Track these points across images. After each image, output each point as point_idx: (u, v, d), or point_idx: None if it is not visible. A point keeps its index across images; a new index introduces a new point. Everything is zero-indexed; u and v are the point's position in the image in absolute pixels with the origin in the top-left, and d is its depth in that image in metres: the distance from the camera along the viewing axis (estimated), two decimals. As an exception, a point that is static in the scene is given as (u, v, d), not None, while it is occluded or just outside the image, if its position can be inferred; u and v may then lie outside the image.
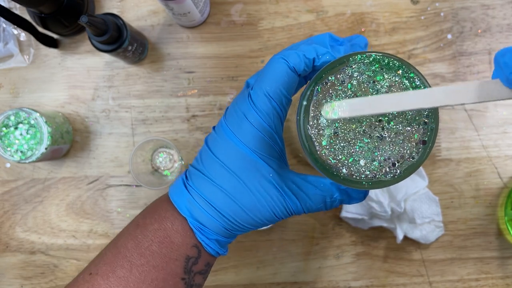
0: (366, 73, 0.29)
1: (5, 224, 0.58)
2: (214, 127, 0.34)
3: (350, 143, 0.29)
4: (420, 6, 0.58)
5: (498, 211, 0.57)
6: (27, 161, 0.52)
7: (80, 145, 0.58)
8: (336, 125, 0.29)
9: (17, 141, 0.53)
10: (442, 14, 0.57)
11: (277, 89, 0.31)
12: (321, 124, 0.29)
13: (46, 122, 0.52)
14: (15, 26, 0.57)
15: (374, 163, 0.29)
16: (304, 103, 0.29)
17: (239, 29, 0.58)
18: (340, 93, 0.29)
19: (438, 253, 0.57)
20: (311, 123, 0.29)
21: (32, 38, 0.58)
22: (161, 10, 0.58)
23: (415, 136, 0.29)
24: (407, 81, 0.29)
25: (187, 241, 0.32)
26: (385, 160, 0.29)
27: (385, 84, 0.29)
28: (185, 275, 0.33)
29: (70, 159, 0.58)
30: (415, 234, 0.54)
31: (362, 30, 0.57)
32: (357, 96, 0.29)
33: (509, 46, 0.23)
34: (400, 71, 0.29)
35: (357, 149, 0.29)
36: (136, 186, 0.58)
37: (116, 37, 0.50)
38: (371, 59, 0.29)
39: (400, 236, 0.54)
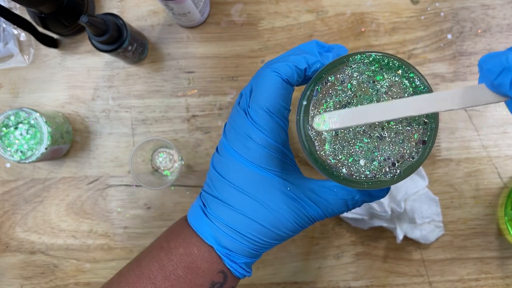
0: (366, 73, 0.29)
1: (5, 224, 0.59)
2: (217, 149, 0.33)
3: (350, 143, 0.29)
4: (420, 6, 0.58)
5: (498, 211, 0.57)
6: (27, 161, 0.52)
7: (80, 145, 0.59)
8: None
9: (17, 141, 0.53)
10: (442, 14, 0.57)
11: (276, 103, 0.30)
12: None
13: (46, 122, 0.52)
14: (15, 26, 0.57)
15: (374, 163, 0.29)
16: (304, 103, 0.29)
17: (239, 29, 0.58)
18: (340, 93, 0.29)
19: (438, 253, 0.57)
20: (311, 123, 0.29)
21: (32, 38, 0.58)
22: (161, 10, 0.58)
23: (415, 136, 0.29)
24: (406, 81, 0.29)
25: (214, 267, 0.32)
26: (385, 160, 0.29)
27: (385, 84, 0.29)
28: None
29: (70, 159, 0.58)
30: (415, 234, 0.54)
31: (362, 30, 0.57)
32: (357, 97, 0.29)
33: (490, 52, 0.24)
34: (400, 71, 0.29)
35: (357, 149, 0.29)
36: (136, 186, 0.58)
37: (116, 37, 0.50)
38: (370, 59, 0.29)
39: (400, 236, 0.54)
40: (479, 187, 0.57)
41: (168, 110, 0.58)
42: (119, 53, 0.52)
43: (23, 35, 0.59)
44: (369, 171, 0.29)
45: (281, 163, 0.31)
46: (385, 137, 0.29)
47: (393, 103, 0.26)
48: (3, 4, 0.58)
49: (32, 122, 0.53)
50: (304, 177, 0.33)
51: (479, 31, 0.57)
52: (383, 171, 0.29)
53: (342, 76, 0.29)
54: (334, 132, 0.29)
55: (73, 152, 0.59)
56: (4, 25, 0.58)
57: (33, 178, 0.59)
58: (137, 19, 0.58)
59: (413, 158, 0.29)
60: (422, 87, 0.29)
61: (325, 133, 0.29)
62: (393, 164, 0.29)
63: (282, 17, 0.58)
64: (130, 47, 0.52)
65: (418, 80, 0.29)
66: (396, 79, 0.29)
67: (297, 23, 0.58)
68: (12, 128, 0.53)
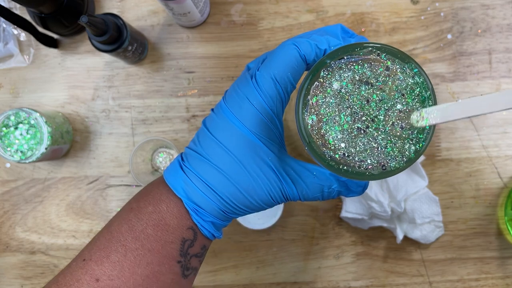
0: (366, 65, 0.29)
1: (5, 224, 0.58)
2: (212, 109, 0.33)
3: (350, 134, 0.29)
4: (420, 6, 0.58)
5: (498, 211, 0.57)
6: (27, 161, 0.52)
7: (80, 145, 0.59)
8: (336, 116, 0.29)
9: (17, 141, 0.53)
10: (442, 14, 0.57)
11: (285, 74, 0.30)
12: (320, 114, 0.29)
13: (46, 122, 0.52)
14: (15, 26, 0.57)
15: (374, 154, 0.29)
16: (304, 92, 0.29)
17: (239, 29, 0.58)
18: (341, 82, 0.28)
19: (438, 253, 0.57)
20: (307, 108, 0.29)
21: (32, 38, 0.58)
22: (161, 10, 0.58)
23: (414, 126, 0.28)
24: (410, 78, 0.29)
25: (183, 223, 0.32)
26: (384, 151, 0.29)
27: (385, 79, 0.29)
28: (181, 257, 0.32)
29: (70, 159, 0.58)
30: (415, 234, 0.54)
31: (362, 30, 0.57)
32: (359, 86, 0.28)
33: None
34: (407, 67, 0.29)
35: (357, 141, 0.29)
36: (136, 186, 0.58)
37: (116, 37, 0.50)
38: (372, 50, 0.29)
39: (400, 236, 0.54)
40: (479, 187, 0.57)
41: (168, 110, 0.58)
42: (119, 53, 0.52)
43: (23, 35, 0.59)
44: (369, 162, 0.29)
45: (270, 132, 0.31)
46: (384, 128, 0.29)
47: (498, 95, 0.25)
48: (3, 4, 0.58)
49: (32, 122, 0.53)
50: (288, 155, 0.33)
51: (479, 31, 0.57)
52: (383, 162, 0.29)
53: (344, 65, 0.29)
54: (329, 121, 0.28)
55: (73, 152, 0.59)
56: (4, 25, 0.58)
57: (33, 178, 0.59)
58: (137, 19, 0.58)
59: (411, 149, 0.29)
60: (423, 83, 0.28)
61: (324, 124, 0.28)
62: (392, 156, 0.29)
63: (282, 17, 0.58)
64: (130, 47, 0.52)
65: (421, 78, 0.28)
66: (403, 76, 0.29)
67: (297, 23, 0.58)
68: (12, 128, 0.53)
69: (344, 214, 0.55)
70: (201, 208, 0.32)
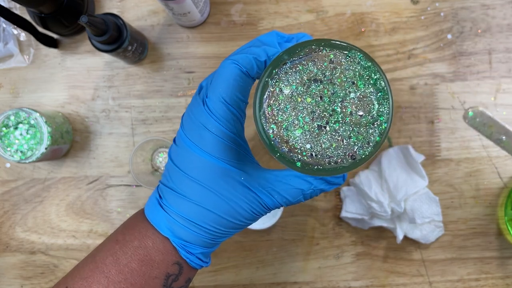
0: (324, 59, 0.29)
1: (5, 224, 0.58)
2: (174, 140, 0.33)
3: (312, 134, 0.29)
4: (420, 6, 0.58)
5: (498, 211, 0.57)
6: (27, 161, 0.52)
7: (80, 145, 0.59)
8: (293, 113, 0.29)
9: (17, 141, 0.53)
10: (442, 14, 0.57)
11: (233, 94, 0.30)
12: (279, 114, 0.29)
13: (46, 122, 0.52)
14: (15, 26, 0.57)
15: (341, 147, 0.29)
16: (258, 105, 0.29)
17: (239, 29, 0.58)
18: (291, 86, 0.29)
19: (438, 253, 0.57)
20: (265, 112, 0.29)
21: (32, 38, 0.58)
22: (161, 10, 0.58)
23: (374, 118, 0.29)
24: (357, 65, 0.29)
25: (169, 259, 0.32)
26: (349, 141, 0.29)
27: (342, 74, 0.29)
28: None
29: (70, 159, 0.58)
30: (415, 234, 0.54)
31: (362, 30, 0.57)
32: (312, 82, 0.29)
33: None
34: (361, 61, 0.29)
35: (320, 138, 0.29)
36: (136, 186, 0.58)
37: (116, 37, 0.50)
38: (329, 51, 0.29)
39: (400, 236, 0.54)
40: (479, 187, 0.57)
41: (168, 110, 0.58)
42: (119, 53, 0.52)
43: (23, 35, 0.59)
44: (331, 157, 0.29)
45: (236, 153, 0.31)
46: (342, 123, 0.29)
47: None
48: (3, 4, 0.58)
49: (32, 122, 0.53)
50: (260, 167, 0.33)
51: (479, 31, 0.57)
52: (345, 156, 0.29)
53: (298, 63, 0.29)
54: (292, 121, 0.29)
55: (73, 152, 0.59)
56: (4, 25, 0.58)
57: (33, 178, 0.59)
58: (137, 19, 0.58)
59: (372, 142, 0.29)
60: (379, 78, 0.29)
61: (283, 119, 0.29)
62: (355, 149, 0.29)
63: (282, 17, 0.58)
64: (130, 47, 0.52)
65: (377, 73, 0.29)
66: (357, 70, 0.29)
67: (297, 23, 0.58)
68: (12, 128, 0.53)
69: (344, 214, 0.55)
70: (189, 242, 0.32)
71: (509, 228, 0.55)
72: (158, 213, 0.32)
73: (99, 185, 0.58)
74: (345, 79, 0.29)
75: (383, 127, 0.29)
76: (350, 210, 0.55)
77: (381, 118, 0.29)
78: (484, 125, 0.50)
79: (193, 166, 0.31)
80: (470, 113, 0.46)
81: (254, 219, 0.33)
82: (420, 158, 0.55)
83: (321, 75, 0.29)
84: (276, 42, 0.33)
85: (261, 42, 0.33)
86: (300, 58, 0.29)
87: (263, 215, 0.33)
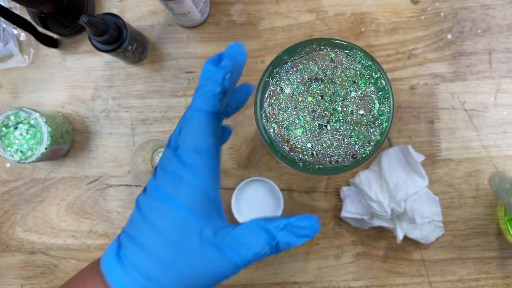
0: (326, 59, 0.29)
1: (5, 224, 0.58)
2: (145, 188, 0.32)
3: (313, 133, 0.29)
4: (420, 6, 0.58)
5: (498, 211, 0.57)
6: (27, 161, 0.52)
7: (80, 145, 0.59)
8: (294, 112, 0.29)
9: (17, 141, 0.53)
10: (442, 14, 0.57)
11: (204, 141, 0.30)
12: (279, 113, 0.29)
13: (46, 122, 0.52)
14: (15, 26, 0.57)
15: (341, 147, 0.29)
16: (258, 104, 0.29)
17: (239, 29, 0.58)
18: (291, 85, 0.29)
19: (438, 253, 0.57)
20: (266, 112, 0.29)
21: (32, 38, 0.58)
22: (161, 10, 0.58)
23: (374, 120, 0.29)
24: (357, 64, 0.29)
25: None
26: (350, 140, 0.29)
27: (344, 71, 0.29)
28: None
29: (70, 159, 0.58)
30: (415, 234, 0.54)
31: (362, 30, 0.57)
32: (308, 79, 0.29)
33: None
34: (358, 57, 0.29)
35: (321, 137, 0.29)
36: (136, 186, 0.58)
37: (116, 37, 0.50)
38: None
39: (400, 236, 0.54)
40: (479, 187, 0.57)
41: (168, 110, 0.58)
42: (119, 53, 0.52)
43: (23, 35, 0.59)
44: (332, 157, 0.29)
45: (206, 207, 0.30)
46: (343, 122, 0.29)
47: None
48: (3, 4, 0.58)
49: (32, 122, 0.53)
50: (228, 224, 0.31)
51: (479, 31, 0.57)
52: (346, 156, 0.29)
53: (297, 63, 0.29)
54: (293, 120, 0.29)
55: (73, 152, 0.59)
56: (4, 25, 0.58)
57: (33, 178, 0.59)
58: (137, 19, 0.58)
59: (372, 141, 0.29)
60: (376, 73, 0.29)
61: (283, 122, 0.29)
62: (356, 149, 0.29)
63: (282, 17, 0.58)
64: (130, 47, 0.52)
65: (374, 64, 0.29)
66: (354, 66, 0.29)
67: (297, 23, 0.58)
68: (12, 128, 0.53)
69: (344, 214, 0.55)
70: None
71: (509, 228, 0.55)
72: (114, 265, 0.30)
73: (99, 185, 0.58)
74: (346, 78, 0.29)
75: (384, 126, 0.29)
76: (350, 210, 0.55)
77: (382, 117, 0.29)
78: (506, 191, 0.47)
79: (160, 217, 0.29)
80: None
81: (221, 280, 0.31)
82: (420, 158, 0.55)
83: (322, 74, 0.29)
84: (214, 68, 0.31)
85: (205, 78, 0.32)
86: (300, 57, 0.29)
87: (232, 275, 0.31)
